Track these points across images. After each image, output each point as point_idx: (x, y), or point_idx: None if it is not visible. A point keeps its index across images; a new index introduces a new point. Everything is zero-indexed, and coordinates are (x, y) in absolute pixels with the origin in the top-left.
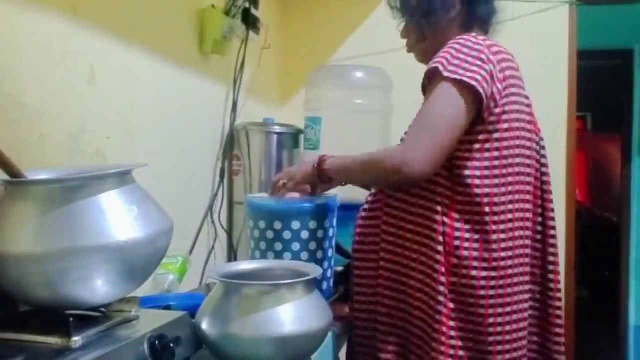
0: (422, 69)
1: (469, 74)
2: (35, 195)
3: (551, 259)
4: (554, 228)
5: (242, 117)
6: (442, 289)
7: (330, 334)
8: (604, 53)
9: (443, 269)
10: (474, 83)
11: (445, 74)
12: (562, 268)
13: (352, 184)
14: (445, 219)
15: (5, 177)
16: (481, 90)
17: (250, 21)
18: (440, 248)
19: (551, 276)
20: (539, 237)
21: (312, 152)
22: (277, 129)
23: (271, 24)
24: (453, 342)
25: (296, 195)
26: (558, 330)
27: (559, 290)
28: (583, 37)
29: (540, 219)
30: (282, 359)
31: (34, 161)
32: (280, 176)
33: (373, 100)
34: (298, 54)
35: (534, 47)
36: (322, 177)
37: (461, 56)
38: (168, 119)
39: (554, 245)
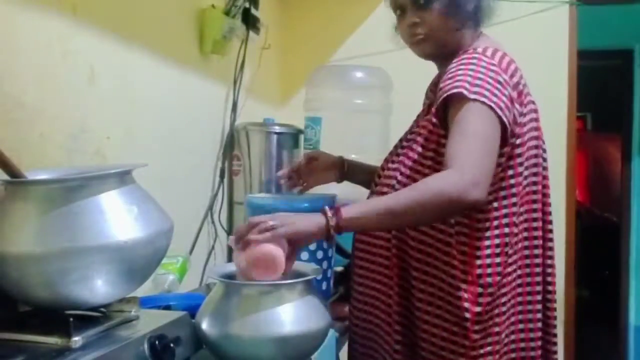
0: (422, 69)
1: (495, 99)
2: (35, 195)
3: (549, 266)
4: (551, 231)
5: (242, 117)
6: (466, 323)
7: (330, 334)
8: (604, 53)
9: (465, 304)
10: (499, 112)
11: (473, 96)
12: (562, 268)
13: (375, 230)
14: (465, 248)
15: (5, 177)
16: (505, 120)
17: (250, 21)
18: (456, 281)
19: (549, 285)
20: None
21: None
22: (277, 129)
23: (271, 24)
24: None
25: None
26: (554, 331)
27: (555, 300)
28: (583, 37)
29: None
30: (282, 359)
31: (34, 161)
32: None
33: (373, 100)
34: (298, 54)
35: (534, 47)
36: (333, 234)
37: (479, 80)
38: (168, 119)
39: (551, 249)
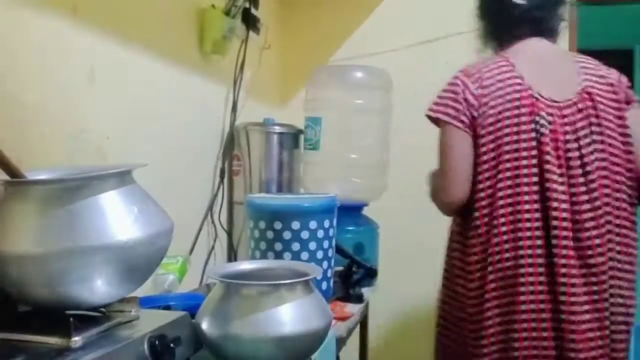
0: (422, 69)
1: (441, 108)
2: (35, 195)
3: (561, 267)
4: (556, 237)
5: (242, 117)
6: (463, 298)
7: (330, 334)
8: (604, 53)
9: (460, 280)
10: (445, 118)
11: (427, 112)
12: None
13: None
14: (454, 235)
15: (5, 177)
16: (459, 123)
17: (250, 21)
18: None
19: (564, 286)
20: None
21: (312, 152)
22: (277, 129)
23: (271, 24)
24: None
25: None
26: (571, 336)
27: (572, 303)
28: (583, 37)
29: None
30: (282, 359)
31: (34, 161)
32: None
33: (373, 100)
34: (298, 54)
35: None
36: None
37: (438, 98)
38: (168, 119)
39: (565, 257)
